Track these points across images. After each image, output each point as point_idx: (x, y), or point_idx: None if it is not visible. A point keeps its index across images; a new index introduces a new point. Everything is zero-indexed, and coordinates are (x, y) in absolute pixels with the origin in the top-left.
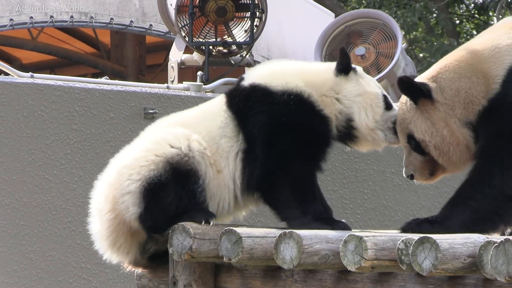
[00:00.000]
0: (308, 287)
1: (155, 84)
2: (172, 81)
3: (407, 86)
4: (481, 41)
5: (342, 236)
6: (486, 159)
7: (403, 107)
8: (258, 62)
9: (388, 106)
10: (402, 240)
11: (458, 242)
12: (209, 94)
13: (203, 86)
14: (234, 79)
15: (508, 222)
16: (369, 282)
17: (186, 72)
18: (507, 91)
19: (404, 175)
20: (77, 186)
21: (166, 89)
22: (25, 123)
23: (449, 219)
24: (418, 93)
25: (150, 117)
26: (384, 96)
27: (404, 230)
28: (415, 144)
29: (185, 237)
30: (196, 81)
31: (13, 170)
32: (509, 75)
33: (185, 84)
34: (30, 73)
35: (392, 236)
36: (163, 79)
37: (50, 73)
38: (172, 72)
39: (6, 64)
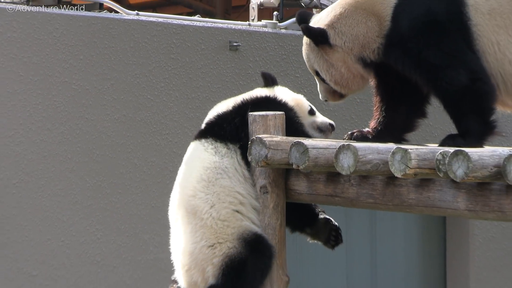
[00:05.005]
0: (362, 189)
1: (239, 22)
2: (253, 20)
3: (308, 33)
4: None
5: (390, 148)
6: (435, 86)
7: (307, 47)
8: (324, 5)
9: (311, 111)
10: (440, 152)
11: (486, 155)
12: (283, 31)
13: (278, 24)
14: None
15: (493, 86)
16: (412, 187)
17: (264, 12)
18: (398, 24)
19: (321, 99)
20: (174, 105)
21: (248, 26)
22: (131, 53)
23: (470, 134)
24: (318, 39)
25: (234, 49)
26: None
27: (442, 144)
28: (321, 78)
29: (262, 148)
30: (272, 19)
31: (121, 91)
32: (395, 11)
33: (263, 22)
34: (135, 11)
35: (431, 149)
36: (245, 17)
37: (153, 12)
38: (253, 12)
39: (116, 4)
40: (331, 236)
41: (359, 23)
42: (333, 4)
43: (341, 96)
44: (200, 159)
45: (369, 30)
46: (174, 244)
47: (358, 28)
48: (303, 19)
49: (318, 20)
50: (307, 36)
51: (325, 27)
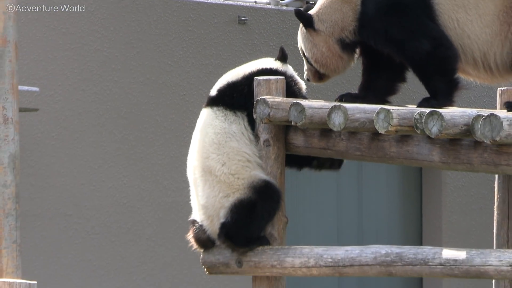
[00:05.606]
0: (351, 143)
1: None
2: None
3: (299, 17)
4: None
5: (375, 109)
6: (403, 57)
7: (300, 30)
8: None
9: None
10: (418, 112)
11: (457, 115)
12: (284, 7)
13: (280, 1)
14: None
15: (455, 50)
16: (394, 141)
17: None
18: (366, 8)
19: (304, 78)
20: (190, 69)
21: (254, 3)
22: (154, 25)
23: (440, 94)
24: (306, 23)
25: (242, 23)
26: None
27: (419, 105)
28: (306, 58)
29: (265, 107)
30: None
31: (145, 57)
32: None
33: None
34: None
35: (410, 109)
36: None
37: None
38: None
39: None
40: (335, 160)
41: (336, 11)
42: None
43: (320, 77)
44: (212, 126)
45: (345, 15)
46: (195, 198)
47: (335, 15)
48: (305, 9)
49: (312, 10)
50: (298, 19)
51: (312, 14)
